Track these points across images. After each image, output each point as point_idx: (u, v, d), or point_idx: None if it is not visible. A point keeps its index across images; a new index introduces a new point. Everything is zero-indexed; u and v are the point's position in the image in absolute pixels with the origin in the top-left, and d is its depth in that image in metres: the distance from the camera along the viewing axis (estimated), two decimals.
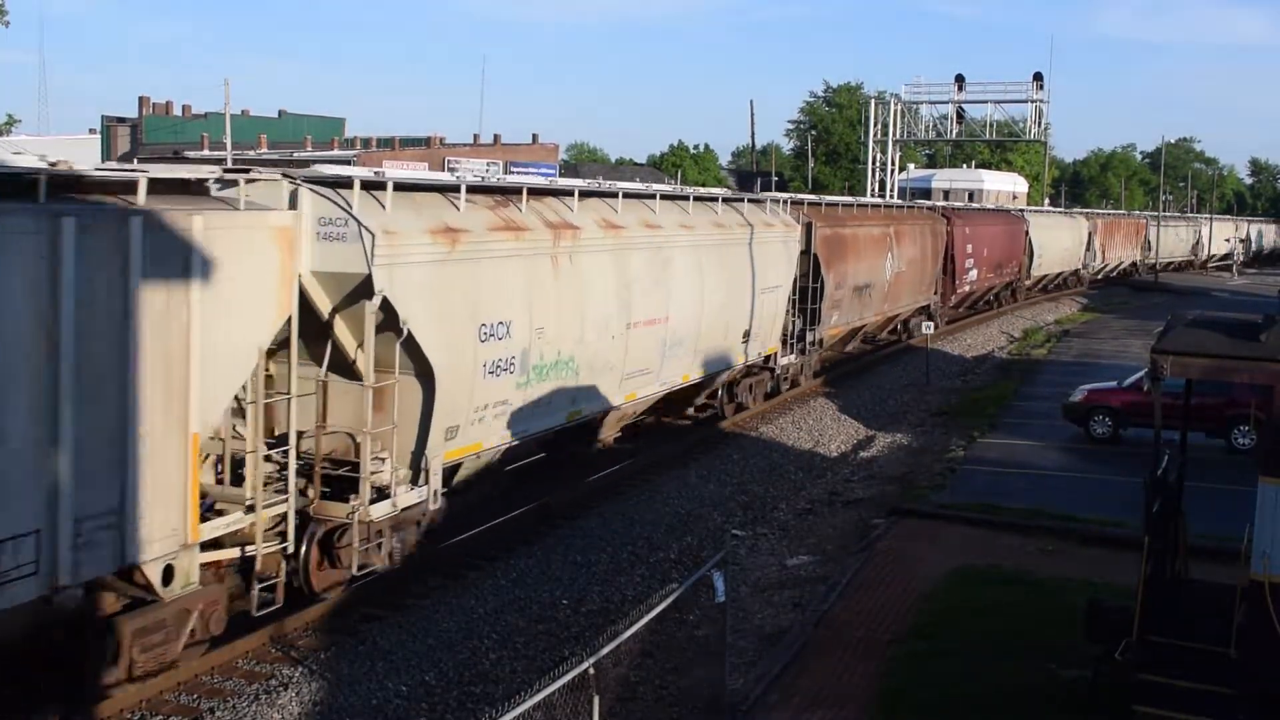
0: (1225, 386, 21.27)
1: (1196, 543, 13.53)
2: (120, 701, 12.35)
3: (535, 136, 79.24)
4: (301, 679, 13.38)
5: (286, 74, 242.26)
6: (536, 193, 18.38)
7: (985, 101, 72.12)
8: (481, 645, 14.71)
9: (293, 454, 13.88)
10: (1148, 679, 10.86)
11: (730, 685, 12.59)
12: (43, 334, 10.71)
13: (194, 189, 13.24)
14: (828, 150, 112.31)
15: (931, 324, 38.47)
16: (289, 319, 13.71)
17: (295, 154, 64.23)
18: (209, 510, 13.31)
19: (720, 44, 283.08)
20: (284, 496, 13.83)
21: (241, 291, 12.87)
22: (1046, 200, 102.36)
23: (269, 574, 13.80)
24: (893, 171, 75.51)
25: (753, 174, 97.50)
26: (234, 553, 13.39)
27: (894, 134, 74.22)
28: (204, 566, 12.91)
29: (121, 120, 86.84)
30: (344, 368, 14.89)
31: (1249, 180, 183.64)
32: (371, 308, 14.30)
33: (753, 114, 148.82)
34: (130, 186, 11.84)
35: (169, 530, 12.12)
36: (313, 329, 14.56)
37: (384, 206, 14.79)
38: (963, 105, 72.76)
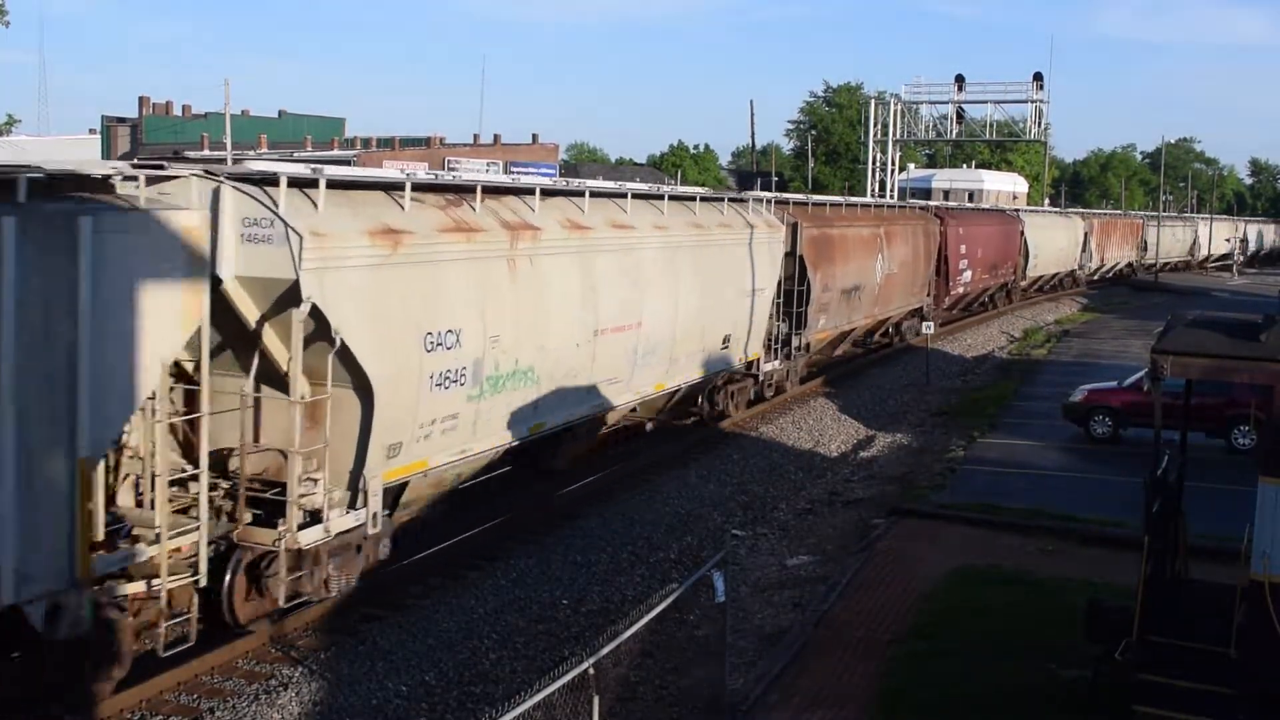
0: (1225, 386, 21.27)
1: (1196, 543, 13.53)
2: (120, 701, 12.35)
3: (535, 136, 79.29)
4: (301, 679, 13.39)
5: (286, 74, 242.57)
6: (494, 191, 17.27)
7: (985, 101, 72.32)
8: (481, 645, 14.71)
9: (204, 475, 12.74)
10: (1148, 679, 10.86)
11: (730, 685, 12.59)
12: None
13: (96, 186, 11.99)
14: (828, 150, 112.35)
15: (931, 324, 38.19)
16: (199, 329, 12.47)
17: (295, 154, 64.22)
18: (126, 538, 12.33)
19: (720, 44, 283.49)
20: (197, 523, 12.67)
21: (141, 300, 11.56)
22: (1046, 200, 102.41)
23: (181, 608, 12.80)
24: (893, 172, 75.58)
25: (753, 174, 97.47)
26: (139, 586, 12.22)
27: (894, 134, 74.29)
28: (121, 599, 12.03)
29: (121, 120, 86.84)
30: (277, 380, 13.88)
31: (1249, 180, 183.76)
32: (299, 316, 13.24)
33: (753, 114, 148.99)
34: (9, 185, 10.69)
35: (51, 567, 10.93)
36: (244, 338, 13.69)
37: (316, 206, 13.69)
38: (963, 105, 72.89)
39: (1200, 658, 10.76)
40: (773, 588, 16.92)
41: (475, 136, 78.21)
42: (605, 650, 10.01)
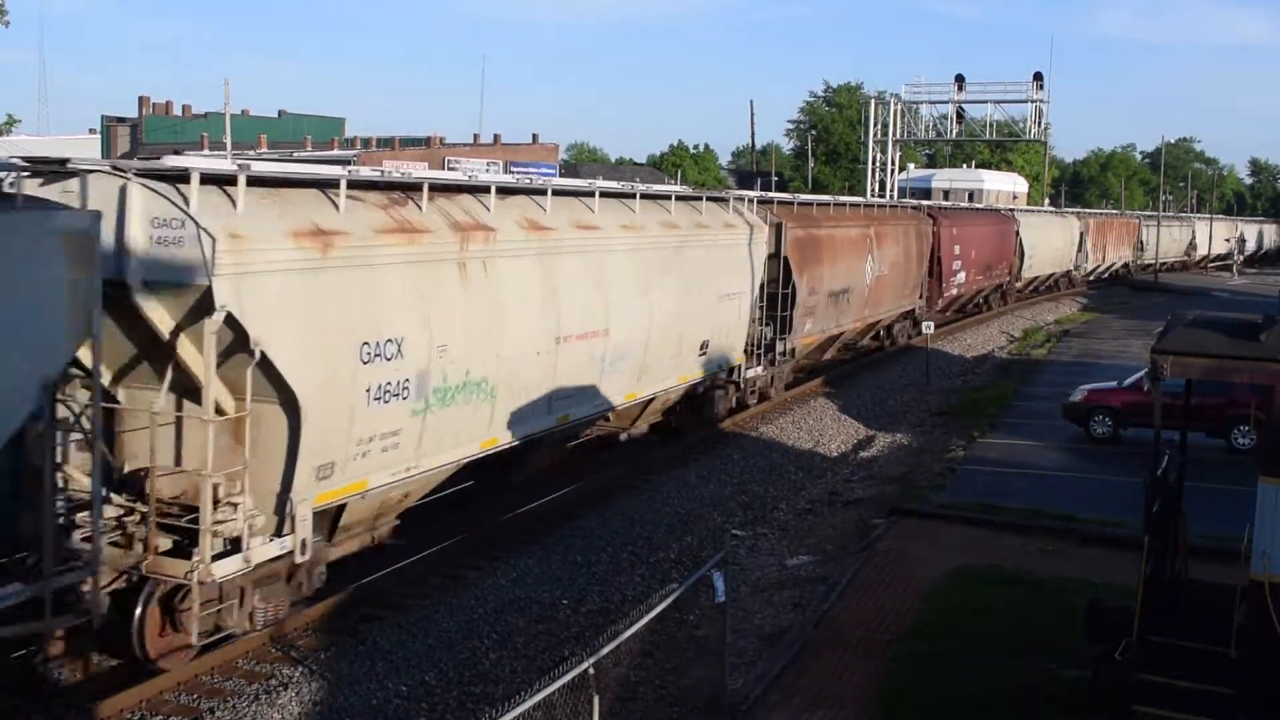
0: (1225, 386, 21.27)
1: (1196, 543, 13.53)
2: (120, 701, 12.34)
3: (535, 136, 79.49)
4: (301, 679, 13.38)
5: (286, 74, 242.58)
6: (444, 190, 16.12)
7: (985, 101, 72.19)
8: (481, 645, 14.71)
9: (96, 501, 11.74)
10: (1148, 679, 10.86)
11: (730, 685, 12.60)
12: None
13: None
14: (828, 150, 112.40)
15: (931, 324, 37.99)
16: (90, 343, 11.42)
17: (295, 154, 64.28)
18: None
19: (720, 44, 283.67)
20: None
21: (13, 314, 10.39)
22: (1046, 200, 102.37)
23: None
24: (893, 171, 75.53)
25: (753, 174, 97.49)
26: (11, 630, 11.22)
27: (894, 134, 74.22)
28: None
29: (121, 120, 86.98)
30: (199, 395, 12.61)
31: (1249, 180, 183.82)
32: (212, 326, 12.01)
33: (753, 114, 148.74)
34: None
35: None
36: (161, 350, 12.62)
37: (235, 204, 12.49)
38: (963, 105, 72.79)
39: (1200, 658, 10.76)
40: (773, 588, 16.92)
41: (475, 136, 78.46)
42: (605, 650, 10.01)
